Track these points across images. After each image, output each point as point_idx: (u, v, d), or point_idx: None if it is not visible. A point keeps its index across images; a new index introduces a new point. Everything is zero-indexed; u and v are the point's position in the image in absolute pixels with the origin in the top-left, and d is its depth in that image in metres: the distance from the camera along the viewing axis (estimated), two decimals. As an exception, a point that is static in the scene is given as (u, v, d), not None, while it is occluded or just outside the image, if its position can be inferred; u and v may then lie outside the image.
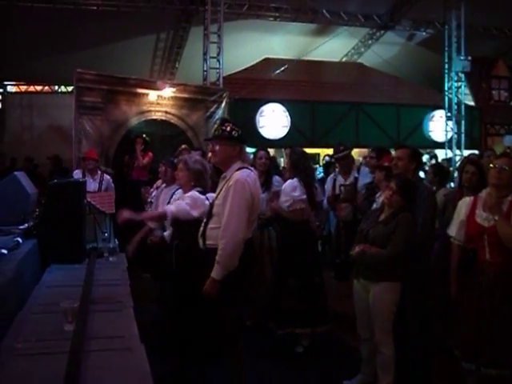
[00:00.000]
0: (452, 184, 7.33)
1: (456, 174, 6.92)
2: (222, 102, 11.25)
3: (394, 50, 17.18)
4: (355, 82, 16.52)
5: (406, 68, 16.99)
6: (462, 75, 14.85)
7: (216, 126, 4.34)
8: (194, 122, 10.88)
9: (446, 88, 14.94)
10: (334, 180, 6.54)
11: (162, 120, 10.59)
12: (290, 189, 5.41)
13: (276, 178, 6.21)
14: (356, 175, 6.40)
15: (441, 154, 14.92)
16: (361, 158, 13.49)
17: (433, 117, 15.75)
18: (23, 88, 17.02)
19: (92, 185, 7.88)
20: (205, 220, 4.01)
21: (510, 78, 17.65)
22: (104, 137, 9.83)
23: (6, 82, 16.57)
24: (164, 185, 5.98)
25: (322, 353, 5.42)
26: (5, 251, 3.20)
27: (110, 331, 2.54)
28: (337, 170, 6.83)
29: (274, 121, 14.30)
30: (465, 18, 14.31)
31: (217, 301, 3.77)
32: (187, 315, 4.27)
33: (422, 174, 7.17)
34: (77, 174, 8.36)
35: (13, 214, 4.28)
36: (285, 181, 5.77)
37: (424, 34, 16.60)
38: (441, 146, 15.31)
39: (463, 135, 14.99)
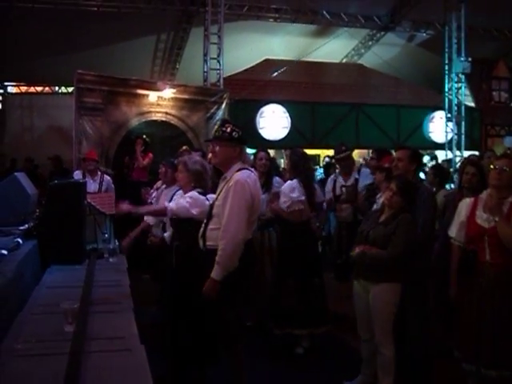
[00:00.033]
0: (452, 185, 7.31)
1: (456, 175, 6.92)
2: (222, 102, 11.25)
3: (394, 51, 17.17)
4: (355, 83, 16.52)
5: (406, 69, 16.99)
6: (463, 76, 14.83)
7: (216, 127, 4.36)
8: (194, 122, 10.88)
9: (447, 89, 14.93)
10: (335, 181, 6.55)
11: (162, 121, 10.59)
12: (289, 190, 5.42)
13: (276, 179, 6.21)
14: (356, 176, 6.41)
15: (441, 155, 14.91)
16: (361, 160, 13.52)
17: (433, 118, 15.74)
18: (23, 89, 17.01)
19: (92, 186, 7.89)
20: (205, 221, 4.01)
21: (511, 79, 17.62)
22: (104, 138, 9.83)
23: (6, 83, 16.55)
24: (164, 186, 5.98)
25: (322, 354, 5.42)
26: (5, 252, 3.20)
27: (110, 332, 2.54)
28: (337, 171, 6.83)
29: (274, 122, 14.29)
30: (465, 19, 14.29)
31: (216, 301, 3.78)
32: (187, 316, 4.27)
33: (422, 175, 7.17)
34: (77, 174, 8.37)
35: (13, 215, 4.28)
36: (285, 182, 5.78)
37: (424, 35, 16.59)
38: (441, 147, 15.29)
39: (463, 136, 14.97)
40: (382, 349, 4.21)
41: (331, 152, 11.74)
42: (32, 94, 16.85)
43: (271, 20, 14.94)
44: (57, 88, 17.11)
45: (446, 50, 14.62)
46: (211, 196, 4.28)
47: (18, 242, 3.63)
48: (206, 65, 12.80)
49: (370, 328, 4.30)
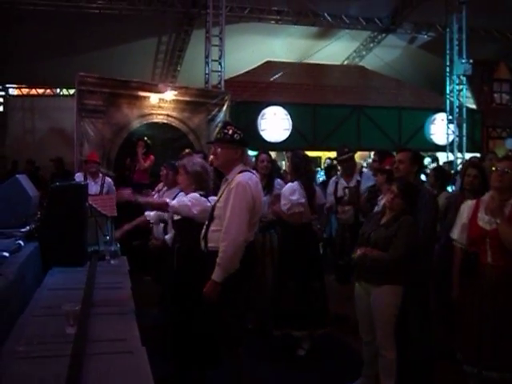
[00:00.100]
0: (453, 187, 7.30)
1: (458, 177, 6.91)
2: (223, 105, 11.24)
3: (395, 53, 17.18)
4: (357, 85, 16.54)
5: (407, 71, 17.00)
6: (464, 78, 14.84)
7: (218, 129, 4.36)
8: (195, 124, 10.87)
9: (448, 91, 14.93)
10: (336, 183, 6.55)
11: (163, 123, 10.58)
12: (289, 192, 5.43)
13: (278, 181, 6.21)
14: (358, 178, 6.40)
15: (442, 157, 14.91)
16: (362, 162, 13.52)
17: (434, 120, 15.76)
18: (25, 91, 17.05)
19: (94, 188, 7.89)
20: (206, 222, 4.01)
21: (512, 80, 17.68)
22: (106, 140, 9.82)
23: (7, 85, 16.60)
24: (165, 188, 5.99)
25: (324, 356, 5.41)
26: (6, 254, 3.19)
27: (111, 334, 2.54)
28: (339, 173, 6.82)
29: (275, 124, 14.31)
30: (466, 21, 14.29)
31: (217, 303, 3.78)
32: (188, 318, 4.27)
33: (423, 177, 7.16)
34: (78, 176, 8.37)
35: (14, 217, 4.27)
36: (286, 184, 5.78)
37: (425, 36, 16.59)
38: (442, 149, 15.29)
39: (465, 138, 14.97)
40: (384, 351, 4.21)
41: (332, 154, 11.74)
42: (33, 96, 16.89)
43: (273, 22, 14.96)
44: (58, 90, 17.14)
45: (448, 51, 14.62)
46: (213, 198, 4.28)
47: (20, 244, 3.62)
48: (208, 67, 12.81)
49: (372, 330, 4.30)
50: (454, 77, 14.69)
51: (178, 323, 4.37)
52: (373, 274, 4.21)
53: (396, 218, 4.22)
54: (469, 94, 16.24)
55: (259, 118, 14.24)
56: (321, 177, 11.36)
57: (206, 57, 12.84)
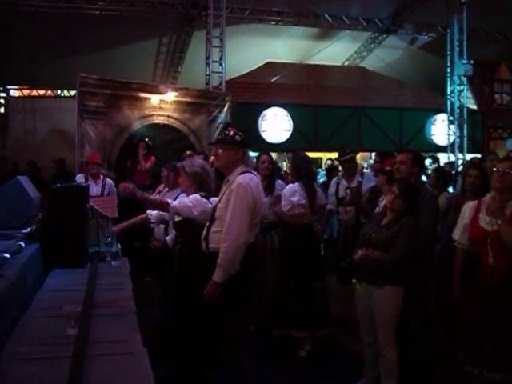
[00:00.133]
0: (453, 188, 7.29)
1: (459, 178, 6.91)
2: (224, 106, 11.25)
3: (396, 54, 17.19)
4: (357, 85, 16.54)
5: (408, 72, 17.00)
6: (465, 79, 14.84)
7: (219, 130, 4.36)
8: (196, 126, 10.88)
9: (449, 92, 14.93)
10: (338, 184, 6.55)
11: (164, 124, 10.60)
12: (289, 193, 5.43)
13: (279, 182, 6.21)
14: (360, 179, 6.40)
15: (443, 157, 14.91)
16: (363, 162, 13.53)
17: (435, 120, 15.75)
18: (26, 92, 17.05)
19: (95, 189, 7.89)
20: (207, 223, 4.02)
21: (513, 81, 17.68)
22: (107, 141, 9.84)
23: (8, 87, 16.61)
24: (166, 189, 5.99)
25: (324, 357, 5.41)
26: (7, 255, 3.19)
27: (112, 335, 2.54)
28: (340, 173, 6.82)
29: (276, 125, 14.31)
30: (467, 22, 14.30)
31: (218, 304, 3.78)
32: (189, 319, 4.27)
33: (424, 178, 7.16)
34: (79, 178, 8.38)
35: (15, 218, 4.27)
36: (287, 185, 5.77)
37: (426, 37, 16.60)
38: (443, 149, 15.28)
39: (466, 139, 14.97)
40: (385, 352, 4.21)
41: (333, 155, 11.75)
42: (34, 97, 16.89)
43: (273, 23, 14.97)
44: (59, 91, 17.14)
45: (448, 52, 14.63)
46: (214, 199, 4.28)
47: (21, 245, 3.62)
48: (208, 68, 12.82)
49: (373, 331, 4.30)
50: (455, 77, 14.70)
51: (179, 324, 4.37)
52: (374, 275, 4.20)
53: (397, 219, 4.22)
54: (470, 95, 16.25)
55: (260, 119, 14.24)
56: (321, 178, 11.37)
57: (207, 58, 12.84)
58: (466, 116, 14.93)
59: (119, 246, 4.88)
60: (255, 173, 4.23)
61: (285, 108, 14.36)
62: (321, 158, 15.92)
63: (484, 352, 3.80)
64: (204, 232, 4.01)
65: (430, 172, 8.26)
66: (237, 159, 3.97)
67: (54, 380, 2.04)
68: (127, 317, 2.83)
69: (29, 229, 4.13)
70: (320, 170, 13.62)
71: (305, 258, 5.39)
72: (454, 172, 10.34)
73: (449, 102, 14.90)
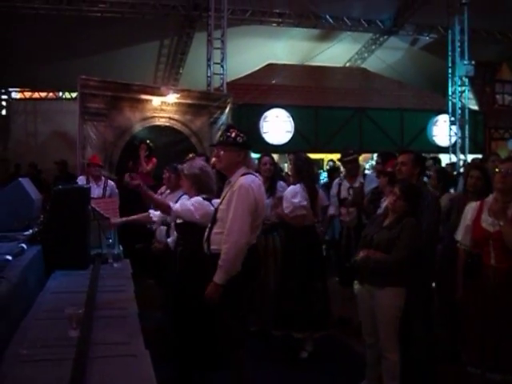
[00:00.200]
0: (455, 189, 7.29)
1: (460, 179, 6.91)
2: (225, 107, 11.24)
3: (397, 55, 17.20)
4: (359, 87, 16.56)
5: (409, 73, 17.01)
6: (466, 79, 14.85)
7: (221, 131, 4.35)
8: (197, 127, 10.87)
9: (450, 92, 14.93)
10: (340, 185, 6.54)
11: (165, 126, 10.58)
12: (291, 195, 5.43)
13: (280, 184, 6.21)
14: (362, 180, 6.40)
15: (445, 158, 14.89)
16: (365, 164, 13.53)
17: (436, 121, 15.75)
18: (27, 94, 17.09)
19: (96, 191, 7.89)
20: (209, 225, 4.01)
21: (514, 82, 17.66)
22: (108, 143, 9.82)
23: (10, 89, 16.65)
24: (168, 191, 5.99)
25: (326, 358, 5.40)
26: (9, 257, 3.19)
27: (114, 337, 2.54)
28: (341, 174, 6.81)
29: (277, 126, 14.32)
30: (468, 23, 14.30)
31: (219, 305, 3.78)
32: (191, 321, 4.26)
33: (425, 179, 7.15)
34: (81, 180, 8.37)
35: (17, 220, 4.28)
36: (289, 186, 5.77)
37: (427, 38, 16.61)
38: (445, 150, 15.28)
39: (467, 140, 14.97)
40: (387, 353, 4.20)
41: (335, 156, 11.74)
42: (36, 99, 16.93)
43: (274, 24, 14.99)
44: (60, 93, 17.18)
45: (450, 53, 14.64)
46: (216, 201, 4.28)
47: (23, 247, 3.62)
48: (210, 69, 12.83)
49: (375, 332, 4.29)
50: (456, 78, 14.70)
51: (180, 326, 4.37)
52: (375, 276, 4.19)
53: (399, 220, 4.22)
54: (471, 96, 16.25)
55: (261, 120, 14.25)
56: (323, 179, 11.37)
57: (208, 59, 12.85)
58: (467, 117, 14.93)
59: (121, 248, 4.88)
60: (257, 174, 4.23)
61: (286, 109, 14.37)
62: (322, 160, 15.91)
63: (486, 352, 3.80)
64: (206, 234, 4.01)
65: (431, 173, 8.26)
66: (238, 161, 3.97)
67: (56, 382, 2.04)
68: (129, 319, 2.83)
69: (30, 231, 4.14)
70: (322, 171, 13.63)
71: (306, 258, 5.39)
72: (455, 173, 10.34)
73: (450, 103, 14.90)
